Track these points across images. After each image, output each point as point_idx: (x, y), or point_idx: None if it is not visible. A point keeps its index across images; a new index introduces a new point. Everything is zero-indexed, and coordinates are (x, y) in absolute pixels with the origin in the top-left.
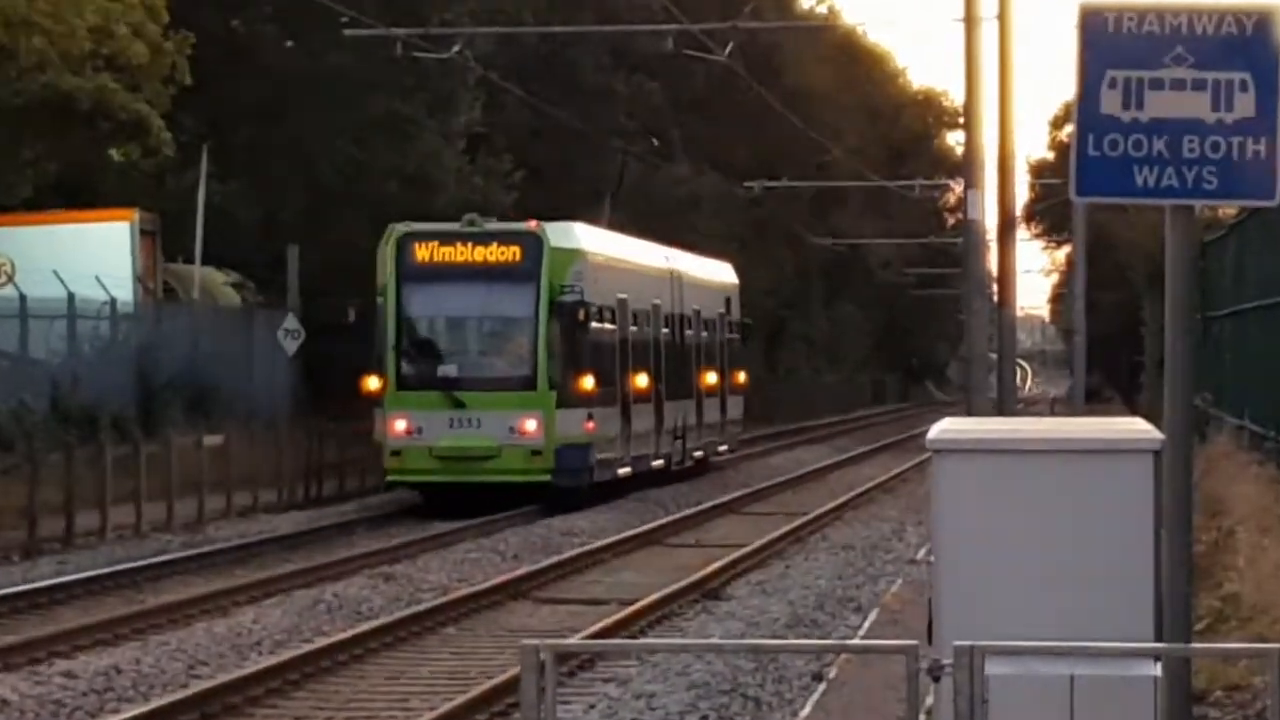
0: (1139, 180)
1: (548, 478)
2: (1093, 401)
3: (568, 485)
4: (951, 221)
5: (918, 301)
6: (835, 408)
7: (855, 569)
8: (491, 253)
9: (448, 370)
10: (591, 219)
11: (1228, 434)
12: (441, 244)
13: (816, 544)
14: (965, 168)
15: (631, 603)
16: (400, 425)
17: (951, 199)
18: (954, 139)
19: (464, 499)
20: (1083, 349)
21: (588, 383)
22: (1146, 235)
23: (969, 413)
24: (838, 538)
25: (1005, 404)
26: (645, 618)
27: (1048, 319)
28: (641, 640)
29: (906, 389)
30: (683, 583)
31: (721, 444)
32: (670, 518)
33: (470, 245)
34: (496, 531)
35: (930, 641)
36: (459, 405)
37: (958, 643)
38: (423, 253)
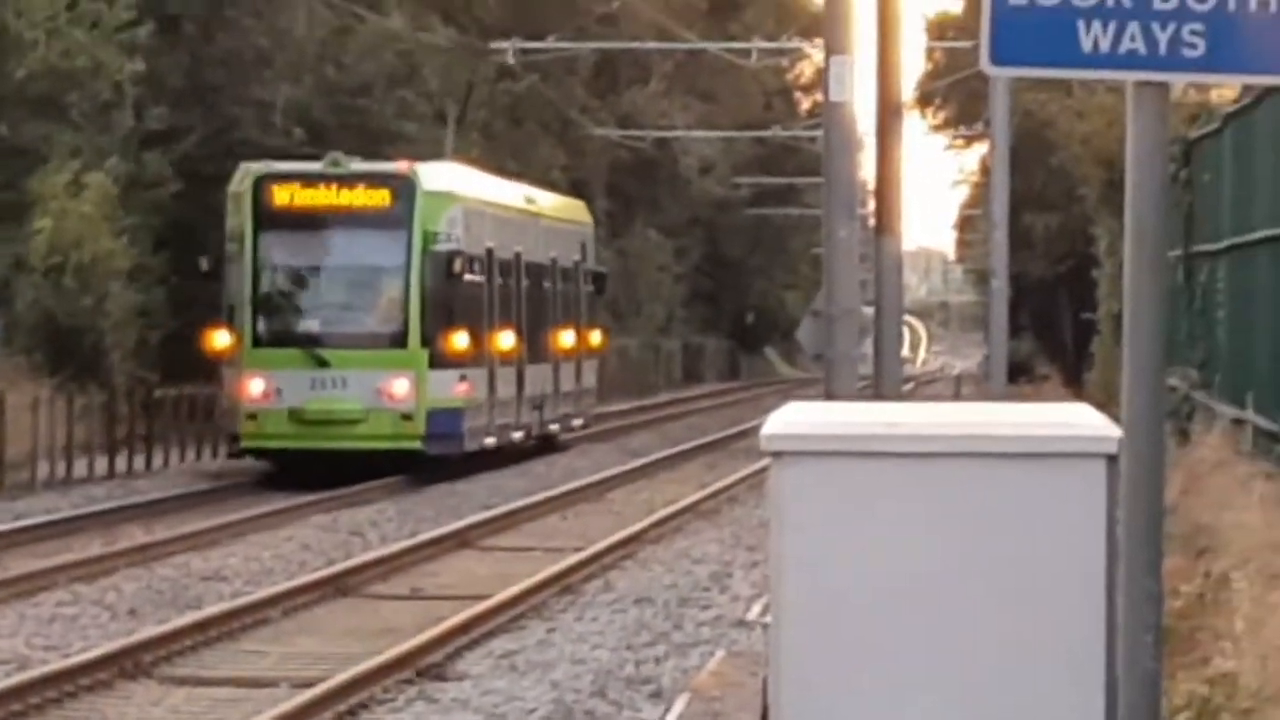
0: (1086, 43)
1: (419, 445)
2: (1020, 379)
3: (439, 453)
4: (806, 105)
5: (754, 227)
6: (625, 389)
7: (654, 634)
8: (358, 196)
9: (310, 326)
10: (259, 101)
11: (1221, 431)
12: (303, 186)
13: (595, 596)
14: (827, 23)
15: (311, 684)
16: (257, 387)
17: (807, 71)
18: None
19: (326, 468)
20: (1004, 301)
21: (461, 341)
22: (1101, 129)
23: (828, 397)
24: (628, 586)
25: (885, 383)
26: (331, 707)
27: (953, 256)
28: None
29: (736, 360)
30: (390, 654)
31: (577, 417)
32: (373, 554)
33: (335, 188)
34: (102, 576)
35: None
36: (322, 364)
37: None
38: (282, 196)
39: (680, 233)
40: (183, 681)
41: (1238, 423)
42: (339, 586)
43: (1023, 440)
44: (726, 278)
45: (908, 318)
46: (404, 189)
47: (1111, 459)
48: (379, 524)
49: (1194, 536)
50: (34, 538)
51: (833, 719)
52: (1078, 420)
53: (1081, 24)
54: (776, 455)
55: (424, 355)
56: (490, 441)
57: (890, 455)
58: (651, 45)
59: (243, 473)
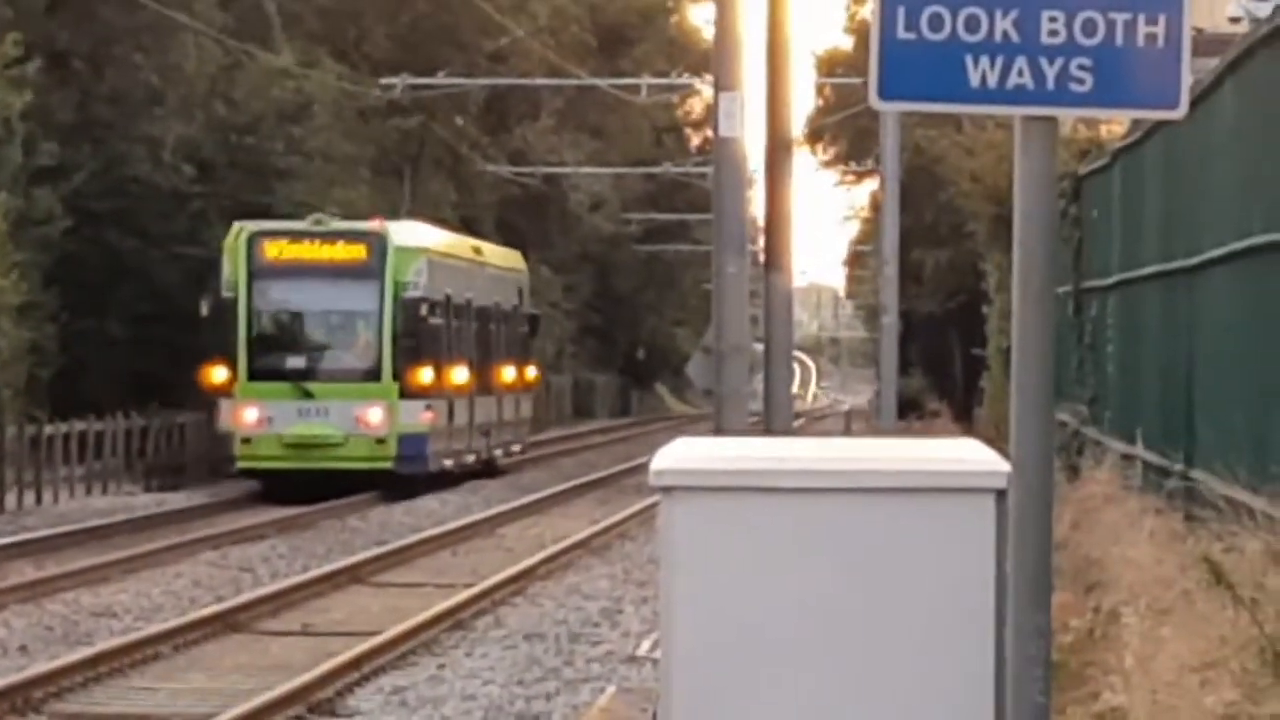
0: (974, 77)
1: (390, 465)
2: (910, 415)
3: (409, 472)
4: (696, 141)
5: (645, 263)
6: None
7: (545, 670)
8: (338, 251)
9: (297, 362)
10: (149, 138)
11: (1111, 466)
12: (290, 242)
13: (486, 631)
14: (717, 59)
15: None
16: (250, 415)
17: (697, 107)
18: (701, 16)
19: (309, 486)
20: (894, 337)
21: (427, 376)
22: (990, 165)
23: (718, 432)
24: (518, 622)
25: (775, 418)
26: None
27: (844, 292)
28: None
29: (627, 396)
30: (280, 690)
31: (515, 444)
32: (264, 590)
33: (318, 243)
34: None
35: None
36: (308, 395)
37: None
38: (272, 250)
39: (571, 268)
40: (73, 718)
41: (1127, 458)
42: (230, 623)
43: (912, 475)
44: (617, 313)
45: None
46: (377, 244)
47: (1000, 494)
48: (270, 560)
49: (1084, 571)
50: None
51: None
52: (967, 455)
53: (970, 58)
54: (666, 490)
55: (395, 388)
56: (449, 463)
57: (780, 490)
58: (541, 81)
59: (131, 508)
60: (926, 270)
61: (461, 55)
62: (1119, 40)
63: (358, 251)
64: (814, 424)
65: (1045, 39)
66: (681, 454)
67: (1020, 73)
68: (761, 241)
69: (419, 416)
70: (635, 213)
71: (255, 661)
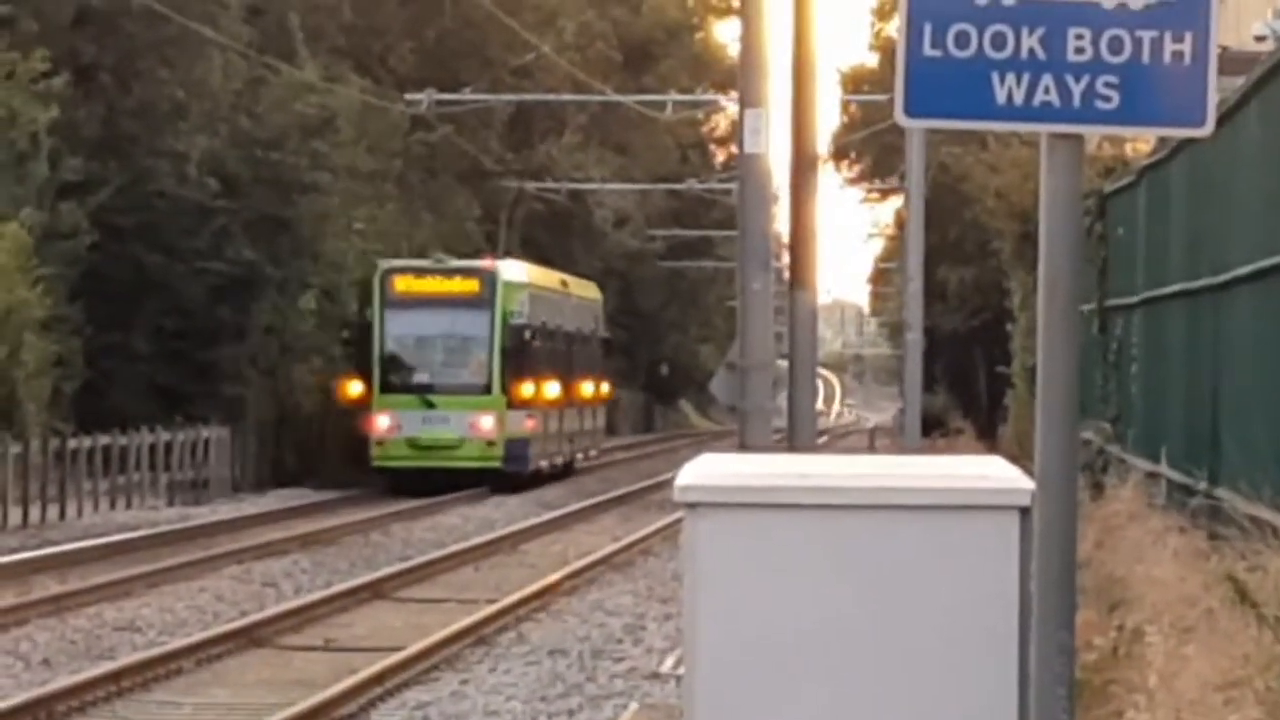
0: (1000, 95)
1: (499, 464)
2: (934, 433)
3: (513, 470)
4: (721, 158)
5: (669, 280)
6: None
7: (568, 685)
8: (456, 284)
9: (422, 378)
10: (174, 152)
11: (1135, 485)
12: (417, 277)
13: (509, 647)
14: (742, 75)
15: None
16: (384, 423)
17: (722, 124)
18: (726, 32)
19: (431, 481)
20: (918, 354)
21: (529, 390)
22: (1015, 183)
23: (742, 449)
24: (542, 638)
25: (799, 435)
26: None
27: (868, 309)
28: None
29: (651, 412)
30: (303, 706)
31: (591, 449)
32: (286, 605)
33: (440, 278)
34: (14, 627)
35: None
36: (431, 406)
37: None
38: (402, 284)
39: (595, 284)
40: None
41: (1152, 476)
42: (253, 637)
43: (936, 493)
44: (641, 330)
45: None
46: (489, 279)
47: (1024, 511)
48: (293, 575)
49: (1107, 590)
50: None
51: None
52: (991, 473)
53: (996, 76)
54: (691, 507)
55: (503, 400)
56: (544, 464)
57: (804, 507)
58: (566, 97)
59: (154, 523)
60: (951, 287)
61: (487, 71)
62: (1145, 58)
63: (473, 285)
64: (838, 441)
65: (1071, 56)
66: (706, 470)
67: (1046, 90)
68: (786, 258)
69: (523, 424)
70: (659, 229)
71: (278, 676)
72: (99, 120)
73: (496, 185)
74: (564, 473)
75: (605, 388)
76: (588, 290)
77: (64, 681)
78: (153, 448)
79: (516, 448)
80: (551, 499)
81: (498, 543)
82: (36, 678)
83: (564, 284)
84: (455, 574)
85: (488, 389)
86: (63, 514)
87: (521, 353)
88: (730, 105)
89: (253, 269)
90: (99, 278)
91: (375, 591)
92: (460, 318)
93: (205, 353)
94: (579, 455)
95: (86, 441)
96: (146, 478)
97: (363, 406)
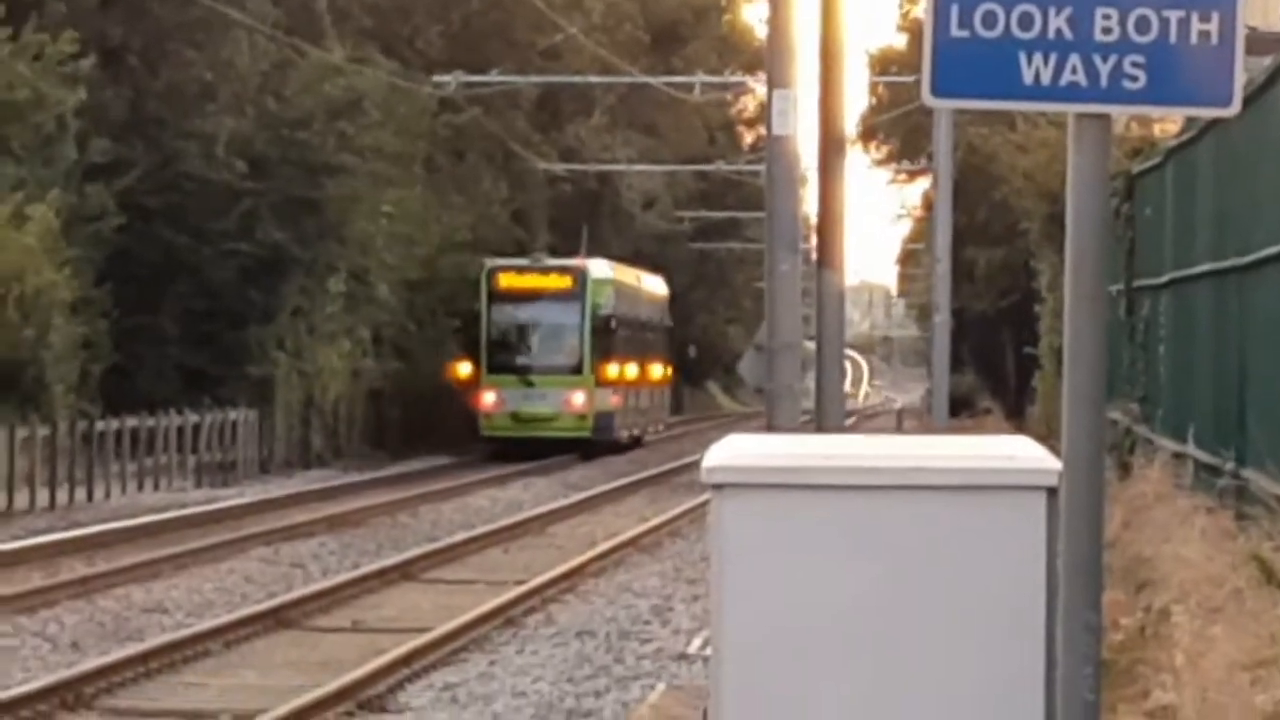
0: (1027, 75)
1: (589, 434)
2: (962, 413)
3: (601, 439)
4: (749, 139)
5: (696, 261)
6: None
7: (595, 667)
8: (552, 280)
9: (523, 360)
10: (201, 134)
11: (1162, 465)
12: (518, 273)
13: (537, 629)
14: (770, 57)
15: (252, 716)
16: (490, 398)
17: (750, 105)
18: (754, 14)
19: (530, 449)
20: (946, 336)
21: (613, 371)
22: (1043, 164)
23: (770, 429)
24: (569, 619)
25: (827, 416)
26: None
27: (895, 291)
28: None
29: (679, 394)
30: (331, 686)
31: (660, 424)
32: (314, 587)
33: (539, 274)
34: (43, 608)
35: None
36: (530, 384)
37: None
38: (505, 280)
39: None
40: (124, 714)
41: (1178, 456)
42: (280, 619)
43: (963, 473)
44: (671, 310)
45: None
46: (580, 275)
47: (1051, 491)
48: (321, 557)
49: (1134, 570)
50: None
51: None
52: (1018, 452)
53: (1023, 56)
54: (718, 488)
55: (592, 379)
56: (624, 435)
57: (832, 488)
58: (594, 79)
59: (182, 504)
60: (979, 269)
61: (514, 52)
62: (1173, 38)
63: (566, 281)
64: (866, 422)
65: (1099, 36)
66: (733, 451)
67: (1074, 70)
68: (814, 239)
69: (609, 400)
70: (687, 210)
71: (306, 658)
72: (126, 102)
73: (524, 167)
74: (636, 444)
75: (669, 371)
76: (657, 284)
77: (92, 663)
78: (180, 430)
79: (604, 420)
80: (579, 480)
81: (526, 524)
82: (65, 659)
83: (639, 279)
84: (483, 555)
85: (579, 369)
86: (90, 496)
87: (607, 339)
88: (758, 87)
89: (280, 251)
90: (127, 260)
91: (403, 573)
92: (555, 309)
93: (233, 335)
94: (650, 429)
95: (114, 424)
96: (174, 460)
97: (471, 385)
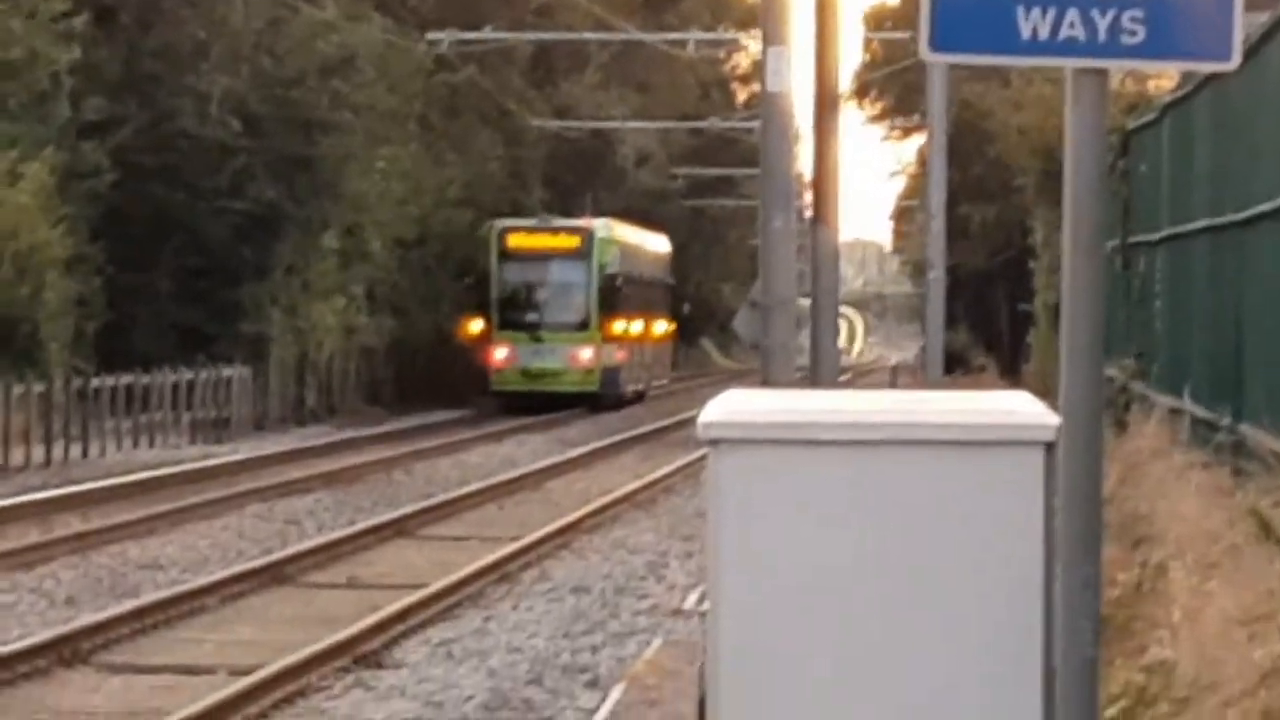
0: (1025, 29)
1: (596, 388)
2: (956, 370)
3: (609, 393)
4: (744, 96)
5: (691, 218)
6: None
7: (590, 623)
8: (560, 240)
9: (532, 317)
10: (195, 92)
11: (1158, 421)
12: (528, 233)
13: (532, 585)
14: (764, 13)
15: (248, 672)
16: (501, 354)
17: (743, 62)
18: None
19: (538, 403)
20: (941, 293)
21: (619, 327)
22: (1038, 120)
23: (765, 385)
24: (564, 575)
25: (822, 372)
26: (269, 694)
27: (890, 247)
28: None
29: (674, 351)
30: (327, 642)
31: (662, 379)
32: (310, 543)
33: (547, 234)
34: (39, 564)
35: None
36: (539, 340)
37: None
38: (514, 240)
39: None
40: (120, 669)
41: (1175, 412)
42: (276, 575)
43: (961, 428)
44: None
45: (844, 309)
46: (587, 235)
47: (1049, 446)
48: (316, 513)
49: (1131, 526)
50: None
51: (770, 708)
52: (1016, 408)
53: (1021, 10)
54: (714, 443)
55: (599, 335)
56: (629, 389)
57: (828, 443)
58: (588, 36)
59: (178, 461)
60: (973, 225)
61: (508, 10)
62: None
63: (573, 241)
64: (860, 379)
65: None
66: (729, 407)
67: (1071, 24)
68: (808, 197)
69: (615, 356)
70: (682, 168)
71: (301, 614)
72: (120, 60)
73: (519, 125)
74: (640, 398)
75: (671, 327)
76: (660, 244)
77: (88, 619)
78: (175, 387)
79: (610, 375)
80: (574, 437)
81: (521, 480)
82: (61, 615)
83: (643, 238)
84: (478, 512)
85: (586, 326)
86: (85, 453)
87: (613, 297)
88: (752, 43)
89: (274, 208)
90: (121, 217)
91: (398, 529)
92: (563, 267)
93: (227, 292)
94: (653, 383)
95: (109, 380)
96: (169, 417)
97: (481, 342)
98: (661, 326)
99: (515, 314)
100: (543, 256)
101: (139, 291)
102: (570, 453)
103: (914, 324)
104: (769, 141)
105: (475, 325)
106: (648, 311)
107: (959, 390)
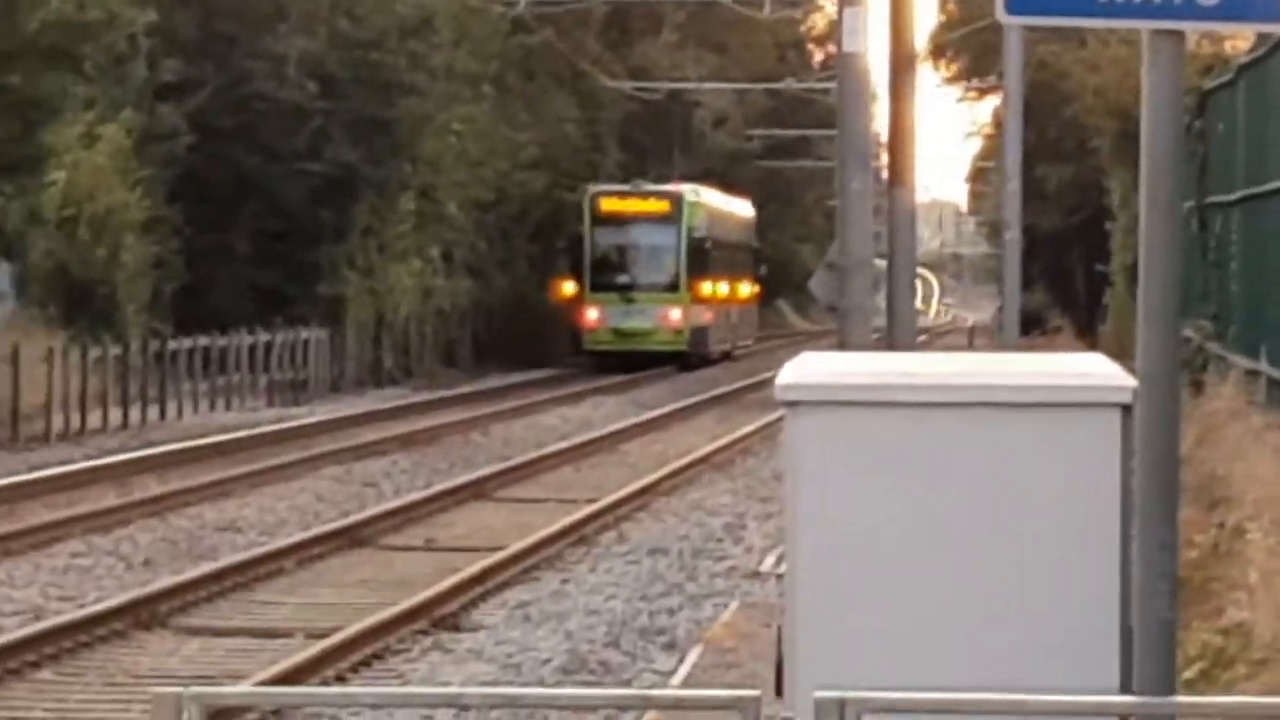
0: None
1: (685, 348)
2: (1033, 331)
3: (695, 353)
4: (820, 57)
5: (767, 180)
6: None
7: (668, 585)
8: (651, 205)
9: (623, 279)
10: (272, 54)
11: (1235, 382)
12: (620, 198)
13: (609, 547)
14: None
15: (326, 634)
16: (593, 315)
17: (820, 23)
18: None
19: (629, 362)
20: (1017, 254)
21: (707, 289)
22: (1114, 81)
23: (842, 347)
24: (642, 537)
25: (899, 334)
26: (346, 657)
27: (966, 208)
28: (336, 689)
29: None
30: (405, 605)
31: (748, 340)
32: (387, 505)
33: (638, 199)
34: (116, 527)
35: (779, 693)
36: (630, 301)
37: (821, 693)
38: (607, 205)
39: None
40: (198, 631)
41: (1252, 374)
42: (353, 538)
43: (1038, 390)
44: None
45: (920, 270)
46: (677, 200)
47: (1126, 409)
48: (393, 475)
49: (1208, 488)
50: (48, 489)
51: (847, 669)
52: (1093, 370)
53: None
54: (791, 405)
55: (688, 297)
56: (717, 349)
57: (905, 405)
58: None
59: (255, 423)
60: (1049, 186)
61: None
62: None
63: (664, 206)
64: (937, 339)
65: None
66: (806, 369)
67: None
68: (884, 158)
69: (703, 316)
70: (758, 129)
71: (379, 576)
72: (197, 22)
73: (594, 86)
74: (727, 357)
75: (756, 289)
76: (745, 209)
77: (166, 581)
78: (252, 349)
79: (699, 335)
80: (649, 399)
81: (597, 442)
82: (138, 578)
83: (729, 203)
84: (555, 474)
85: (675, 287)
86: (163, 415)
87: (701, 259)
88: (828, 3)
89: (351, 170)
90: (198, 180)
91: (475, 491)
92: (654, 231)
93: (304, 254)
94: (739, 344)
95: (186, 343)
96: (246, 379)
97: (575, 303)
98: (747, 289)
99: (607, 276)
100: (634, 220)
101: (216, 254)
102: (646, 415)
103: (990, 285)
104: (845, 102)
105: (568, 287)
106: (734, 274)
107: (1035, 352)
